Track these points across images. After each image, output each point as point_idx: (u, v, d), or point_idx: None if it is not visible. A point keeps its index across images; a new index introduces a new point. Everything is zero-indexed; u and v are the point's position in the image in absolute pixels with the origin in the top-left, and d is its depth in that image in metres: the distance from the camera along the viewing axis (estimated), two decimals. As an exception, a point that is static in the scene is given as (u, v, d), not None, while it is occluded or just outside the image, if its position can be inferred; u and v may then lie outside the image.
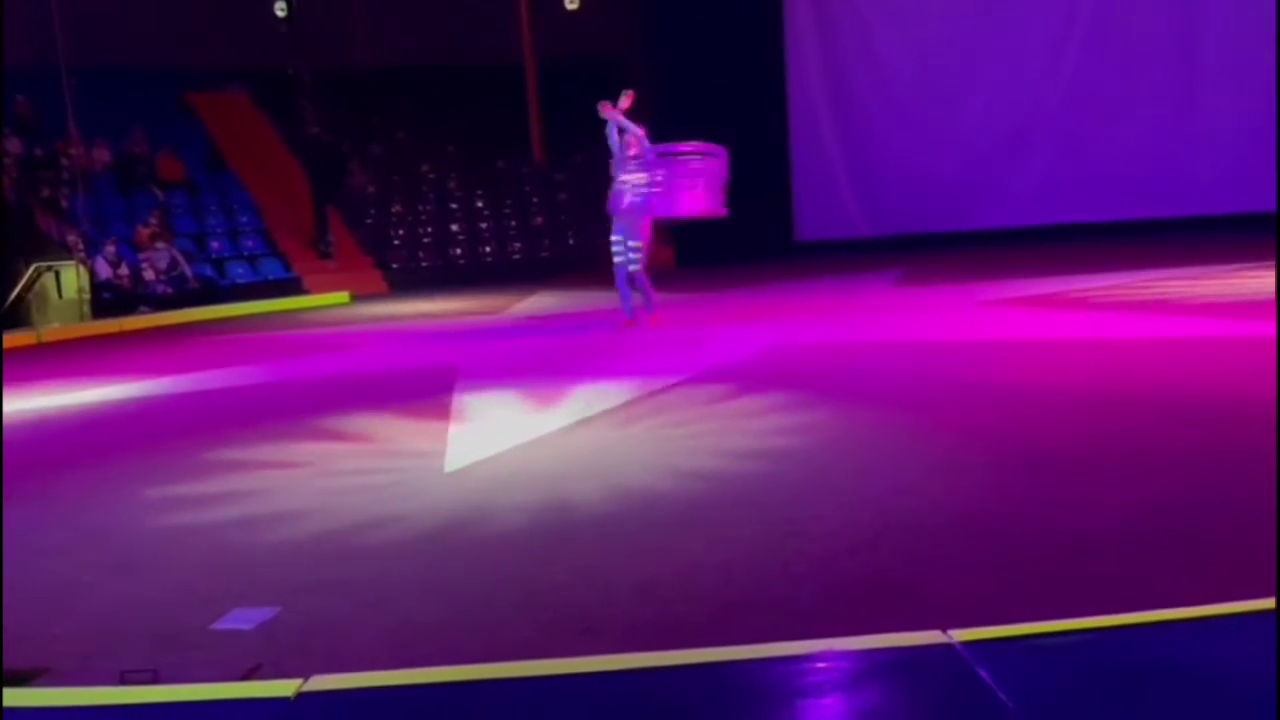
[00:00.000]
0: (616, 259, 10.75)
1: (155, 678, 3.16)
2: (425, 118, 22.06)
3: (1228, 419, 5.71)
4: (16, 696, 2.95)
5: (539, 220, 21.28)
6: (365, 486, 5.61)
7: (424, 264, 19.95)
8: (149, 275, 16.66)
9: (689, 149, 10.97)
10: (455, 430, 6.80)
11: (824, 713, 2.63)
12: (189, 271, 17.10)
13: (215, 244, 18.58)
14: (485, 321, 13.32)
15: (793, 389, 7.35)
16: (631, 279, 10.75)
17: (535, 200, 21.56)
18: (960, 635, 2.87)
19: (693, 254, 18.06)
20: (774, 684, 2.80)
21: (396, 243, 20.22)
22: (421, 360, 10.40)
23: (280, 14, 18.82)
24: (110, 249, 16.45)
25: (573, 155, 20.85)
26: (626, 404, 7.28)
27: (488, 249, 20.70)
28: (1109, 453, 5.31)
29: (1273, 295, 8.98)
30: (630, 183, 10.53)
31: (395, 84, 21.84)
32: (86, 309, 15.86)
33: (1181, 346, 8.06)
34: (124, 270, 16.44)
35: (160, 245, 17.07)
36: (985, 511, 4.57)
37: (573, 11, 21.59)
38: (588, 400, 7.46)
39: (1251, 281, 10.80)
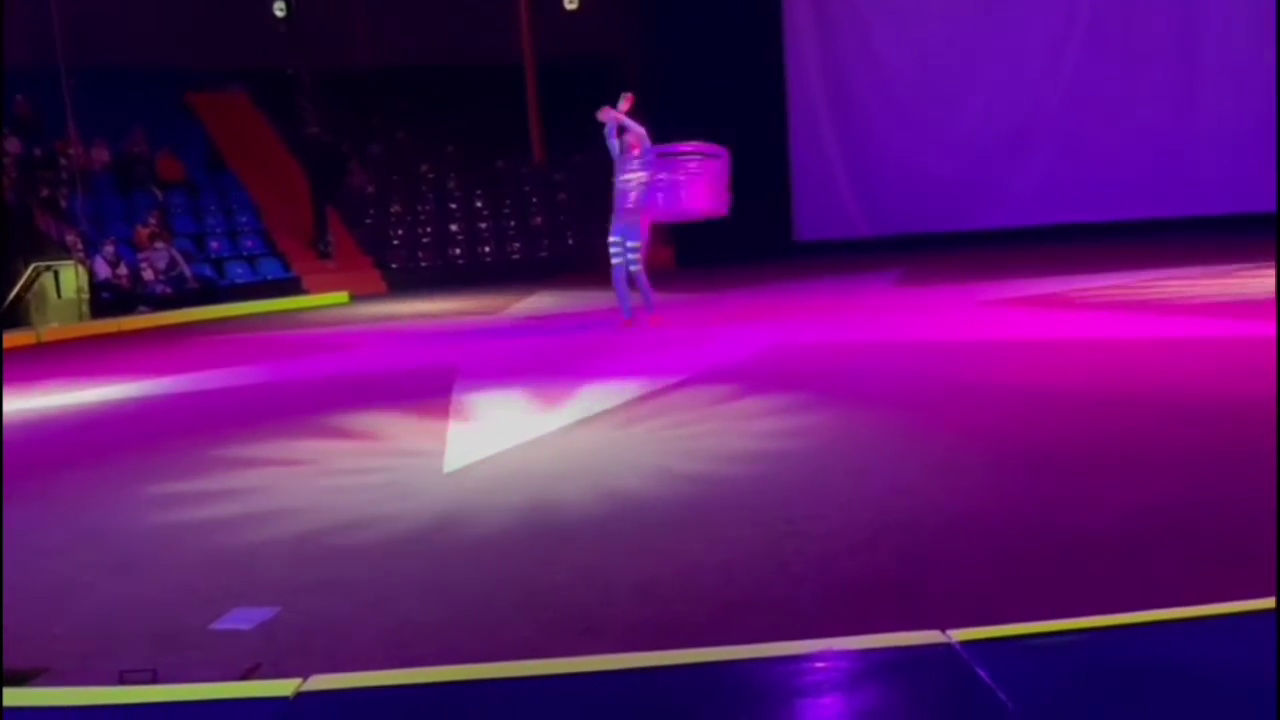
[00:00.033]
0: (614, 260, 10.74)
1: (154, 677, 3.16)
2: (425, 118, 22.07)
3: (1228, 419, 5.71)
4: (16, 696, 2.94)
5: (538, 220, 21.29)
6: (364, 486, 5.61)
7: (423, 264, 19.95)
8: (148, 275, 16.67)
9: (690, 149, 10.97)
10: (454, 430, 6.79)
11: (823, 712, 2.63)
12: (188, 271, 17.11)
13: (214, 244, 18.59)
14: (484, 321, 13.32)
15: (792, 389, 7.34)
16: (631, 279, 10.75)
17: (534, 200, 21.56)
18: (959, 635, 2.86)
19: (692, 254, 18.06)
20: (773, 684, 2.80)
21: (396, 243, 20.22)
22: (421, 360, 10.40)
23: (280, 14, 18.83)
24: (109, 249, 16.46)
25: (572, 155, 20.85)
26: (626, 404, 7.27)
27: (487, 249, 20.71)
28: (1109, 453, 5.30)
29: (1273, 295, 8.98)
30: (633, 181, 10.53)
31: (395, 84, 21.84)
32: (85, 309, 15.87)
33: (1181, 346, 8.05)
34: (123, 270, 16.45)
35: (159, 245, 17.07)
36: (985, 511, 4.57)
37: (572, 12, 21.59)
38: (587, 400, 7.45)
39: (1251, 281, 10.80)
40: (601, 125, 10.56)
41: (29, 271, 15.99)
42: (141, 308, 16.08)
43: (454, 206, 21.21)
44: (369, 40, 20.88)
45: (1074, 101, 18.73)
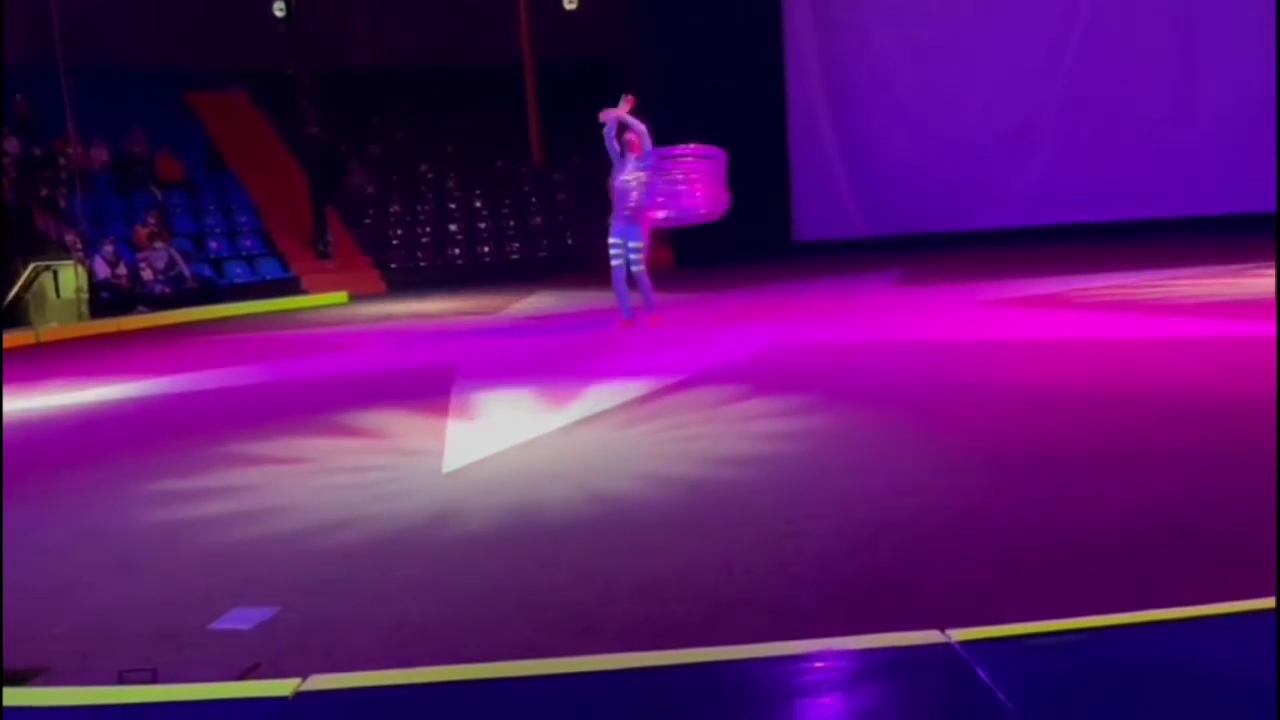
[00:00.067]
0: (614, 261, 10.72)
1: (154, 677, 3.16)
2: (424, 118, 22.06)
3: (1228, 419, 5.71)
4: (16, 696, 2.94)
5: (537, 220, 21.28)
6: (363, 486, 5.61)
7: (422, 264, 19.94)
8: (147, 275, 16.66)
9: (688, 151, 10.97)
10: (453, 430, 6.79)
11: (822, 712, 2.63)
12: (187, 271, 17.10)
13: (214, 244, 18.58)
14: (484, 321, 13.31)
15: (791, 389, 7.35)
16: (632, 279, 10.75)
17: (534, 200, 21.56)
18: (959, 635, 2.86)
19: (692, 254, 18.04)
20: (772, 683, 2.80)
21: (395, 243, 20.21)
22: (420, 360, 10.39)
23: (279, 14, 18.82)
24: (108, 249, 16.45)
25: (571, 155, 20.84)
26: (626, 404, 7.27)
27: (486, 249, 20.70)
28: (1109, 453, 5.30)
29: (1273, 295, 8.98)
30: (633, 181, 10.52)
31: (394, 84, 21.84)
32: (84, 309, 15.86)
33: (1181, 346, 8.05)
34: (122, 270, 16.44)
35: (158, 245, 17.06)
36: (984, 511, 4.57)
37: (571, 12, 21.58)
38: (587, 400, 7.45)
39: (1251, 281, 10.80)
40: (601, 126, 10.55)
41: (28, 271, 15.99)
42: (141, 308, 16.07)
43: (453, 206, 21.20)
44: (369, 40, 20.88)
45: (1074, 101, 18.73)
